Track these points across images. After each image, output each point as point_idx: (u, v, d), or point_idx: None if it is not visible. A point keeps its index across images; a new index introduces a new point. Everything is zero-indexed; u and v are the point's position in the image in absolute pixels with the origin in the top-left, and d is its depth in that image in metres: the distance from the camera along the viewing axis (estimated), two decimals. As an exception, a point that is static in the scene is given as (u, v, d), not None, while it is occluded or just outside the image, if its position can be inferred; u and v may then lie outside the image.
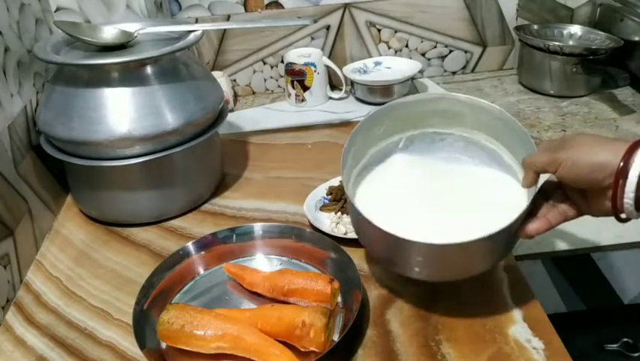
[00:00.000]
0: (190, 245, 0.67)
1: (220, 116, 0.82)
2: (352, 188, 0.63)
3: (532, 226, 0.53)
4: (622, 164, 0.46)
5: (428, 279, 0.60)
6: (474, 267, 0.57)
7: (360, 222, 0.57)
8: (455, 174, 0.66)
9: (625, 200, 0.47)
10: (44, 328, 0.63)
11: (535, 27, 1.16)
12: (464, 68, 1.23)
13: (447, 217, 0.60)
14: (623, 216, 0.49)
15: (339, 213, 0.74)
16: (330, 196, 0.78)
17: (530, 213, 0.54)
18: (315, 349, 0.54)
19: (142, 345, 0.55)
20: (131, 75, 0.72)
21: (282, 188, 0.85)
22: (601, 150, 0.48)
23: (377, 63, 1.17)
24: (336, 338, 0.56)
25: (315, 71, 1.10)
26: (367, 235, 0.59)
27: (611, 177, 0.47)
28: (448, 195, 0.63)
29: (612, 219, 0.50)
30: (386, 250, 0.58)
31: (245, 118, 1.10)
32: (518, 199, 0.57)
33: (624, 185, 0.46)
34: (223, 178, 0.88)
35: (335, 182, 0.80)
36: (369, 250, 0.64)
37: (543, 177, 0.55)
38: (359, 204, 0.57)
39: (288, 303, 0.61)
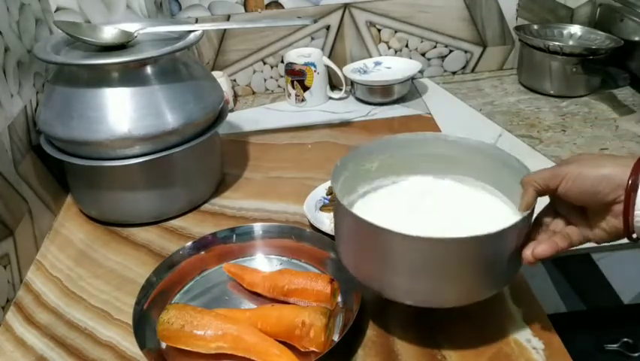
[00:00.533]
0: (190, 245, 0.67)
1: (220, 116, 0.82)
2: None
3: (540, 248, 0.49)
4: (632, 178, 0.44)
5: (419, 301, 0.54)
6: (471, 286, 0.52)
7: (353, 230, 0.53)
8: (451, 199, 0.62)
9: (636, 213, 0.45)
10: (44, 328, 0.63)
11: (535, 27, 1.16)
12: (464, 68, 1.23)
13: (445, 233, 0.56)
14: (634, 236, 0.47)
15: (339, 214, 0.74)
16: (330, 196, 0.78)
17: (528, 239, 0.51)
18: (315, 349, 0.54)
19: (142, 345, 0.55)
20: (131, 75, 0.72)
21: (282, 188, 0.85)
22: (607, 163, 0.47)
23: (377, 63, 1.18)
24: (336, 338, 0.56)
25: (315, 71, 1.10)
26: (358, 242, 0.54)
27: (617, 191, 0.46)
28: (444, 218, 0.59)
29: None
30: (376, 261, 0.52)
31: (245, 118, 1.10)
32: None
33: (635, 198, 0.45)
34: (223, 178, 0.88)
35: (335, 182, 0.80)
36: (357, 269, 0.55)
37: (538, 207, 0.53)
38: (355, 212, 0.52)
39: (288, 303, 0.61)
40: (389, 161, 0.64)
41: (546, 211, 0.53)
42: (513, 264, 0.52)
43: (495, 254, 0.50)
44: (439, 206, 0.61)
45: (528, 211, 0.50)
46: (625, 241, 0.71)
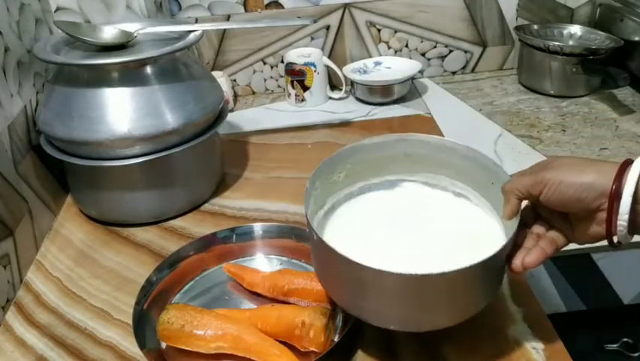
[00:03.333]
0: (190, 245, 0.67)
1: (220, 116, 0.82)
2: (318, 231, 0.55)
3: (530, 258, 0.48)
4: (614, 185, 0.44)
5: (407, 328, 0.53)
6: (462, 307, 0.50)
7: (328, 260, 0.51)
8: (427, 206, 0.61)
9: (619, 222, 0.45)
10: (44, 328, 0.63)
11: (535, 27, 1.16)
12: (464, 68, 1.23)
13: (424, 253, 0.55)
14: (615, 240, 0.46)
15: (339, 214, 0.74)
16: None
17: (515, 245, 0.50)
18: (315, 349, 0.54)
19: (142, 345, 0.55)
20: (131, 75, 0.72)
21: (282, 188, 0.85)
22: (588, 169, 0.46)
23: (377, 63, 1.17)
24: (336, 338, 0.56)
25: (315, 71, 1.10)
26: (337, 274, 0.52)
27: (600, 199, 0.45)
28: (421, 229, 0.58)
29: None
30: (359, 292, 0.50)
31: (245, 118, 1.10)
32: (494, 233, 0.54)
33: (618, 207, 0.44)
34: (223, 178, 0.88)
35: (335, 182, 0.80)
36: (340, 298, 0.54)
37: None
38: (328, 241, 0.49)
39: (288, 303, 0.61)
40: (356, 168, 0.62)
41: (527, 212, 0.52)
42: (499, 274, 0.51)
43: (483, 276, 0.49)
44: (412, 215, 0.60)
45: (515, 225, 0.49)
46: (625, 241, 0.71)
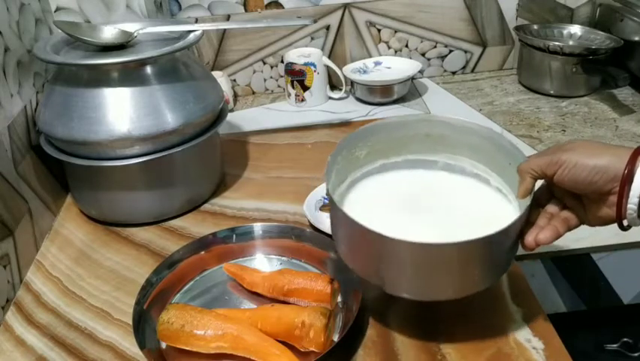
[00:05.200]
0: (190, 245, 0.67)
1: (220, 116, 0.82)
2: (339, 203, 0.57)
3: (543, 235, 0.49)
4: (627, 169, 0.45)
5: (418, 296, 0.54)
6: (472, 280, 0.52)
7: (349, 230, 0.53)
8: (445, 189, 0.63)
9: (629, 205, 0.46)
10: (44, 328, 0.63)
11: (535, 27, 1.16)
12: (464, 68, 1.23)
13: (438, 229, 0.56)
14: (625, 223, 0.48)
15: (339, 213, 0.74)
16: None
17: (527, 223, 0.51)
18: (315, 349, 0.54)
19: (142, 345, 0.55)
20: (131, 75, 0.72)
21: (282, 188, 0.85)
22: (604, 153, 0.47)
23: (377, 63, 1.18)
24: (336, 338, 0.56)
25: (315, 71, 1.10)
26: (355, 243, 0.54)
27: (612, 182, 0.46)
28: (437, 207, 0.60)
29: (612, 219, 0.50)
30: (375, 260, 0.52)
31: (245, 118, 1.10)
32: (510, 213, 0.55)
33: (629, 190, 0.45)
34: (223, 178, 0.88)
35: (335, 182, 0.80)
36: (356, 264, 0.56)
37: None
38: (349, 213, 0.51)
39: (288, 303, 0.61)
40: (378, 146, 0.64)
41: (541, 192, 0.54)
42: (512, 252, 0.52)
43: (494, 250, 0.50)
44: (432, 194, 0.62)
45: (527, 204, 0.50)
46: (625, 241, 0.71)
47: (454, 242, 0.46)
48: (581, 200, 0.50)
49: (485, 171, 0.62)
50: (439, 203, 0.60)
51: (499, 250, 0.51)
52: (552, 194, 0.53)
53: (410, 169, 0.65)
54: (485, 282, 0.52)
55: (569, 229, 0.51)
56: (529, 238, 0.50)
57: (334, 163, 0.59)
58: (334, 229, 0.58)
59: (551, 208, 0.52)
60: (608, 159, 0.46)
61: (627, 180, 0.45)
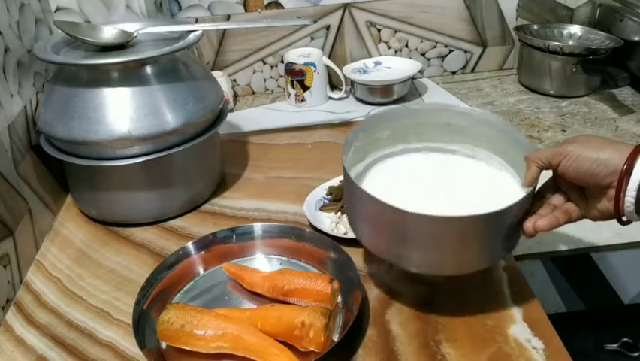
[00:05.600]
0: (190, 245, 0.67)
1: (220, 116, 0.82)
2: (357, 180, 0.61)
3: (542, 222, 0.51)
4: (627, 163, 0.47)
5: (425, 270, 0.58)
6: (473, 256, 0.55)
7: (360, 203, 0.55)
8: (460, 175, 0.65)
9: (627, 198, 0.47)
10: (44, 328, 0.63)
11: (535, 27, 1.16)
12: (464, 68, 1.23)
13: (449, 207, 0.58)
14: (624, 218, 0.49)
15: (339, 213, 0.74)
16: (330, 196, 0.78)
17: (530, 212, 0.53)
18: (315, 349, 0.54)
19: (142, 345, 0.55)
20: (131, 75, 0.72)
21: (282, 188, 0.85)
22: (606, 147, 0.49)
23: (377, 63, 1.18)
24: (336, 338, 0.56)
25: (315, 71, 1.10)
26: (365, 214, 0.56)
27: (612, 176, 0.48)
28: (451, 191, 0.62)
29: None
30: (386, 231, 0.55)
31: (245, 118, 1.10)
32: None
33: (627, 184, 0.47)
34: (223, 178, 0.88)
35: (335, 182, 0.80)
36: (366, 238, 0.59)
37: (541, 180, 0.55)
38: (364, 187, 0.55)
39: (288, 303, 0.61)
40: (399, 130, 0.66)
41: (548, 185, 0.56)
42: (514, 236, 0.54)
43: (497, 228, 0.53)
44: (448, 178, 0.64)
45: (530, 188, 0.53)
46: (625, 241, 0.71)
47: (458, 216, 0.49)
48: (584, 193, 0.52)
49: (501, 163, 0.64)
50: (453, 186, 0.62)
51: (497, 229, 0.53)
52: (557, 188, 0.55)
53: (429, 154, 0.67)
54: (488, 260, 0.56)
55: (570, 221, 0.53)
56: (529, 223, 0.52)
57: (354, 140, 0.61)
58: (348, 204, 0.60)
59: (555, 200, 0.54)
60: (609, 153, 0.48)
61: (626, 174, 0.47)
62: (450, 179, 0.64)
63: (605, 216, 0.51)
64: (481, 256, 0.55)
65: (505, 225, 0.52)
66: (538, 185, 0.55)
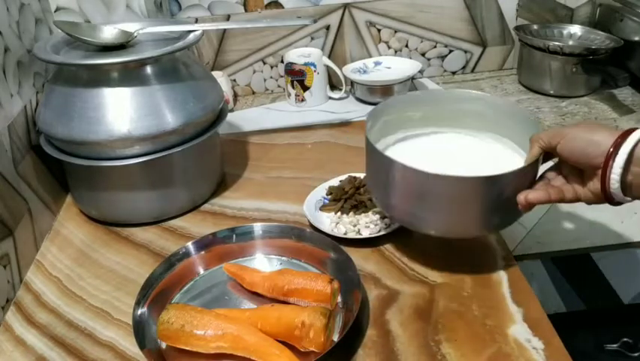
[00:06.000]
0: (190, 245, 0.67)
1: (220, 116, 0.82)
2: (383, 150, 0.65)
3: (533, 194, 0.55)
4: (614, 145, 0.50)
5: (436, 230, 0.61)
6: (475, 218, 0.59)
7: (381, 166, 0.59)
8: (481, 158, 0.68)
9: (612, 176, 0.50)
10: (44, 328, 0.63)
11: (535, 27, 1.16)
12: (464, 68, 1.23)
13: None
14: (613, 197, 0.52)
15: (339, 213, 0.74)
16: (330, 196, 0.78)
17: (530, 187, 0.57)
18: (315, 349, 0.54)
19: (142, 345, 0.55)
20: (131, 75, 0.72)
21: (282, 188, 0.85)
22: (600, 130, 0.52)
23: (377, 63, 1.18)
24: (336, 338, 0.56)
25: (315, 71, 1.10)
26: (386, 177, 0.60)
27: (602, 156, 0.51)
28: (471, 168, 0.64)
29: (612, 219, 0.51)
30: (405, 192, 0.59)
31: (245, 118, 1.10)
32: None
33: (613, 162, 0.50)
34: (223, 178, 0.88)
35: (335, 182, 0.80)
36: (385, 199, 0.63)
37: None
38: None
39: (288, 303, 0.61)
40: (431, 113, 0.69)
41: (551, 169, 0.60)
42: (512, 209, 0.57)
43: (499, 194, 0.57)
44: (471, 159, 0.67)
45: (526, 164, 0.57)
46: (625, 241, 0.71)
47: (460, 176, 0.54)
48: (582, 176, 0.55)
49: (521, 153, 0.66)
50: (473, 165, 0.65)
51: (491, 196, 0.57)
52: (560, 171, 0.58)
53: (458, 137, 0.71)
54: (478, 228, 0.61)
55: (563, 200, 0.56)
56: (521, 195, 0.56)
57: (383, 112, 0.65)
58: (369, 171, 0.64)
59: (554, 181, 0.58)
60: (602, 135, 0.52)
61: (614, 152, 0.50)
62: (472, 161, 0.67)
63: (596, 198, 0.54)
64: (482, 221, 0.59)
65: (503, 191, 0.56)
66: (543, 171, 0.58)
